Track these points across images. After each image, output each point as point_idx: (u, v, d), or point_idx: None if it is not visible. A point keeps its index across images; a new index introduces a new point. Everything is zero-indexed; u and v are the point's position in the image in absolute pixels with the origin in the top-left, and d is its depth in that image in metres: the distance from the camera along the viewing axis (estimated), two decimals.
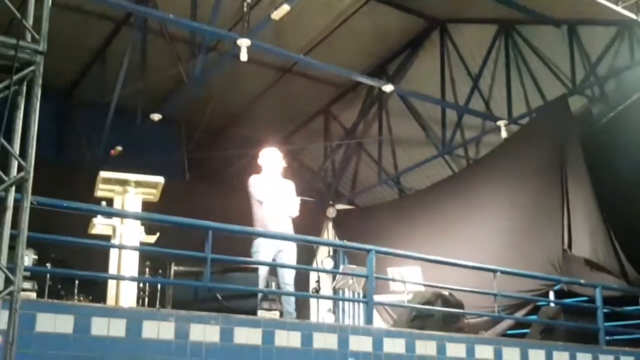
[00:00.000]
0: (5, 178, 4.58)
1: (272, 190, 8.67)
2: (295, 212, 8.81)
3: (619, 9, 9.29)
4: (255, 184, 8.69)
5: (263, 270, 8.17)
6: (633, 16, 9.43)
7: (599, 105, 12.68)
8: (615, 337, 9.47)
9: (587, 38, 12.60)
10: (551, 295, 10.64)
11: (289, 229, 8.66)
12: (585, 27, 12.50)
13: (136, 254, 7.49)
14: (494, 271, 8.72)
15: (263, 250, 8.27)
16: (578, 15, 11.99)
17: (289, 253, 8.49)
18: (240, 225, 7.78)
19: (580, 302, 9.99)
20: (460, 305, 8.60)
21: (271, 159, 8.93)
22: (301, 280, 11.40)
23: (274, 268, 8.50)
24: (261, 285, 8.03)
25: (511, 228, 11.52)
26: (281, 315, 7.77)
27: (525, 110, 13.47)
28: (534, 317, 9.88)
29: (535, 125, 12.82)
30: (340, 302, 10.58)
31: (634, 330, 10.19)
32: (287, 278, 8.42)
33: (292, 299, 8.38)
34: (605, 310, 9.15)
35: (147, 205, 7.94)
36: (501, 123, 13.44)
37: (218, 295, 6.79)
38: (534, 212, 11.30)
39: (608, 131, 12.19)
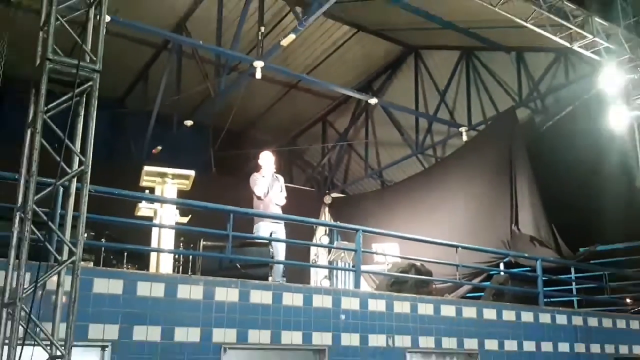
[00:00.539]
0: (69, 170, 4.62)
1: (267, 185, 8.75)
2: (282, 202, 8.85)
3: (556, 39, 9.28)
4: (255, 182, 8.77)
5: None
6: (567, 44, 9.43)
7: (540, 115, 12.70)
8: (551, 300, 9.50)
9: (531, 62, 12.66)
10: (501, 266, 10.68)
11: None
12: (530, 53, 12.54)
13: (172, 231, 7.56)
14: (456, 247, 8.77)
15: (262, 232, 8.35)
16: (524, 44, 12.01)
17: (280, 234, 8.55)
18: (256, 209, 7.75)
19: (524, 272, 10.00)
20: (429, 273, 8.62)
21: (267, 160, 8.96)
22: (303, 254, 11.41)
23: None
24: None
25: (470, 212, 11.54)
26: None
27: (482, 118, 13.52)
28: (487, 283, 9.91)
29: (489, 131, 12.83)
30: (334, 271, 10.55)
31: (567, 294, 10.25)
32: (281, 254, 8.46)
33: (280, 271, 8.39)
34: (544, 278, 9.21)
35: (181, 193, 8.00)
36: (462, 129, 13.53)
37: (237, 265, 6.81)
38: (488, 199, 11.32)
39: (547, 136, 12.21)
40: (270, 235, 8.37)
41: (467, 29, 12.03)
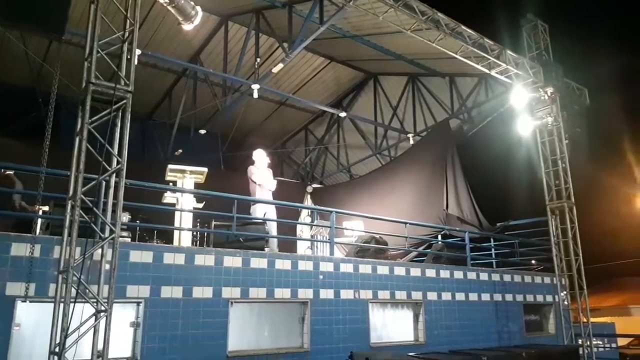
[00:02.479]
0: (109, 168, 4.55)
1: (262, 175, 8.75)
2: (273, 187, 8.84)
3: (479, 67, 9.34)
4: (253, 172, 8.77)
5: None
6: (487, 71, 9.49)
7: (467, 124, 12.78)
8: (476, 261, 9.59)
9: (460, 84, 12.73)
10: (439, 237, 10.76)
11: (270, 198, 8.75)
12: (459, 77, 12.61)
13: (191, 214, 7.47)
14: (405, 223, 8.82)
15: (258, 211, 8.36)
16: (455, 71, 12.07)
17: (270, 213, 8.51)
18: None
19: (456, 241, 10.09)
20: (385, 243, 8.63)
21: (260, 156, 8.97)
22: (291, 230, 11.37)
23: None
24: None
25: (415, 196, 11.57)
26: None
27: (424, 127, 13.55)
28: (428, 250, 9.95)
29: (430, 136, 12.86)
30: (315, 243, 10.54)
31: (487, 258, 10.36)
32: (273, 230, 8.41)
33: (275, 243, 8.35)
34: (470, 246, 9.31)
35: (197, 185, 7.91)
36: (410, 135, 13.55)
37: (240, 239, 6.78)
38: (429, 187, 11.32)
39: (472, 140, 12.35)
40: (264, 215, 8.31)
41: (413, 59, 12.04)
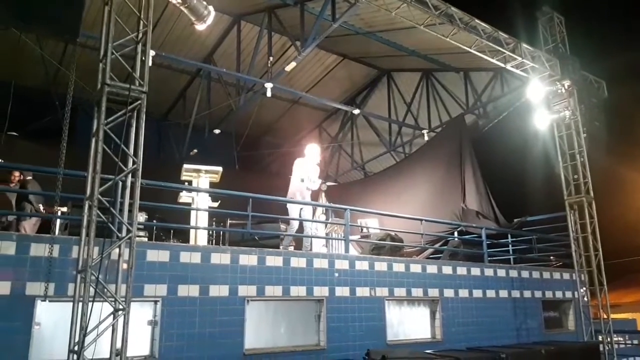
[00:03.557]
0: (125, 168, 4.58)
1: (307, 171, 8.33)
2: (315, 188, 8.51)
3: (494, 61, 9.23)
4: (296, 166, 8.37)
5: (294, 223, 8.11)
6: (502, 65, 9.38)
7: (482, 119, 12.66)
8: (493, 258, 9.51)
9: (475, 79, 12.60)
10: (455, 233, 10.66)
11: (308, 197, 8.43)
12: (474, 72, 12.49)
13: (206, 213, 7.50)
14: (421, 220, 8.75)
15: (293, 212, 8.09)
16: (470, 65, 11.96)
17: (306, 214, 8.35)
18: (269, 195, 7.64)
19: (473, 238, 10.01)
20: (401, 240, 8.59)
21: (312, 151, 8.57)
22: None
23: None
24: (294, 230, 7.95)
25: (431, 193, 11.44)
26: (295, 249, 7.75)
27: (439, 123, 13.44)
28: (445, 247, 9.88)
29: (445, 132, 12.73)
30: (330, 240, 10.55)
31: (505, 254, 10.25)
32: (308, 225, 8.30)
33: (310, 242, 8.20)
34: (487, 242, 9.21)
35: (212, 184, 7.94)
36: (424, 131, 13.44)
37: (256, 237, 6.79)
38: (443, 183, 11.20)
39: (488, 135, 12.24)
40: (300, 213, 8.09)
41: (426, 55, 11.94)
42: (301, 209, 8.18)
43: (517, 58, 9.24)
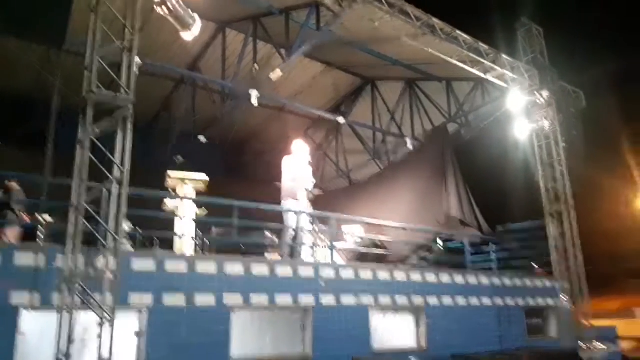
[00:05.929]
0: (110, 177, 4.60)
1: (299, 170, 8.01)
2: (310, 187, 8.11)
3: (475, 71, 9.43)
4: (286, 165, 8.03)
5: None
6: (483, 75, 9.58)
7: (464, 128, 12.81)
8: (475, 264, 9.56)
9: (457, 88, 12.76)
10: (439, 241, 10.74)
11: (304, 199, 8.03)
12: (456, 82, 12.65)
13: (192, 221, 7.48)
14: (404, 228, 8.82)
15: (290, 218, 7.75)
16: (452, 75, 12.11)
17: (303, 221, 7.97)
18: (255, 202, 7.51)
19: (455, 246, 10.09)
20: (385, 248, 8.64)
21: (300, 148, 8.31)
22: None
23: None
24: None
25: (414, 201, 11.42)
26: (281, 257, 7.71)
27: (422, 131, 13.56)
28: (427, 254, 9.87)
29: (428, 141, 12.85)
30: (315, 249, 10.51)
31: (487, 261, 10.35)
32: (304, 238, 8.01)
33: (306, 250, 7.86)
34: (469, 250, 9.32)
35: (198, 193, 7.91)
36: (408, 139, 13.56)
37: (241, 245, 6.80)
38: (427, 191, 11.23)
39: (470, 144, 12.37)
40: (297, 219, 7.69)
41: (410, 65, 12.09)
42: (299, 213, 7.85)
43: (498, 69, 9.46)
